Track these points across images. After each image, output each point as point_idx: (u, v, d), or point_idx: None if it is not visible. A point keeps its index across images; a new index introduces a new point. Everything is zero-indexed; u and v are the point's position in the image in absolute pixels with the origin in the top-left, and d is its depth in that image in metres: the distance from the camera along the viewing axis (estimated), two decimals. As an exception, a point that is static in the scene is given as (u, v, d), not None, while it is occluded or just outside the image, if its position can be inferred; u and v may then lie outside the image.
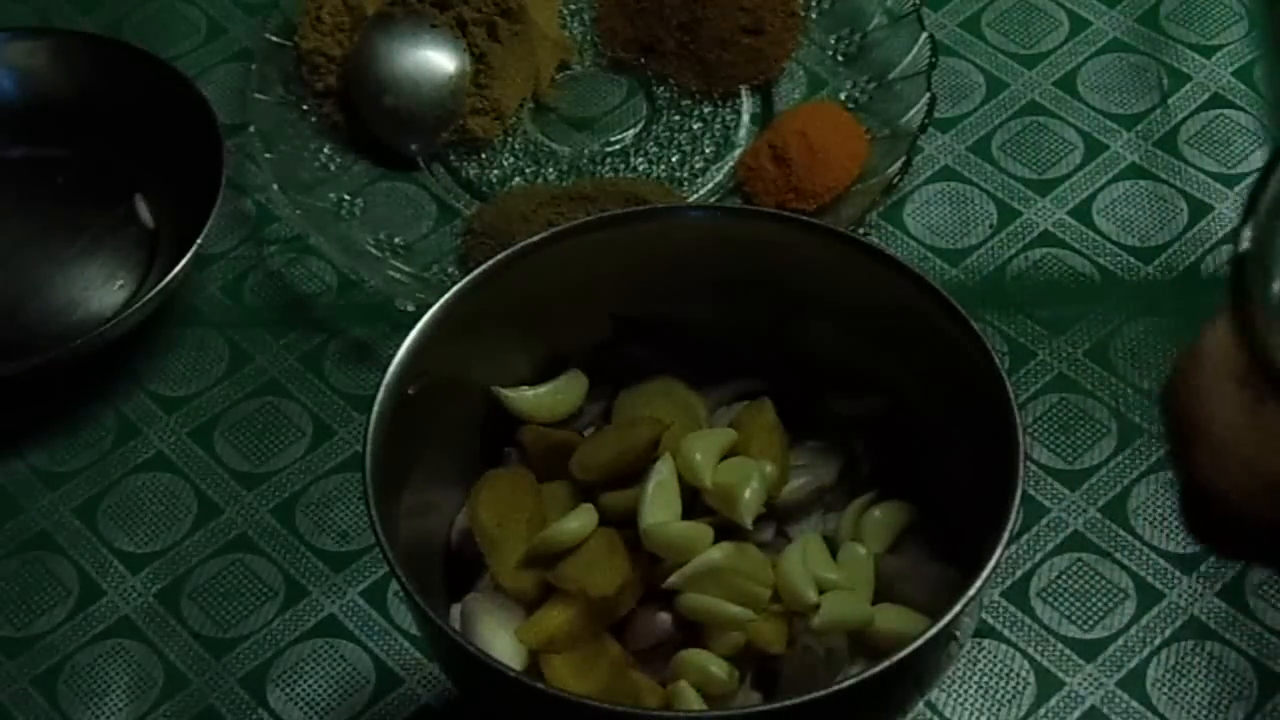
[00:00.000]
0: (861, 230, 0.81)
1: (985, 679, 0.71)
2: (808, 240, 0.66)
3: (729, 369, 0.68)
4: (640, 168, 0.88)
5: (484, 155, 0.89)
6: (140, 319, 0.81)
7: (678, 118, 0.90)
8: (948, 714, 0.70)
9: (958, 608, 0.56)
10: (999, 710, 0.70)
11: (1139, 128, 0.88)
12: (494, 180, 0.88)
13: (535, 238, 0.66)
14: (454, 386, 0.66)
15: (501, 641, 0.61)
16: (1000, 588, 0.73)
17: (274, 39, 0.90)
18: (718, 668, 0.61)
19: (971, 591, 0.56)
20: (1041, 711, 0.70)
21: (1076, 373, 0.79)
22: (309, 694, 0.72)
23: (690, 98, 0.90)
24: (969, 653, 0.71)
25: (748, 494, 0.63)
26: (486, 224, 0.84)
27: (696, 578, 0.61)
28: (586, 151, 0.89)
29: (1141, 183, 0.86)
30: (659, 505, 0.63)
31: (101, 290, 0.84)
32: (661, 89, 0.91)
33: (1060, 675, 0.71)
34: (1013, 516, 0.57)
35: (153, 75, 0.87)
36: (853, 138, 0.85)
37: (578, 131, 0.90)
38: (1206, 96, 0.89)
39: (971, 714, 0.70)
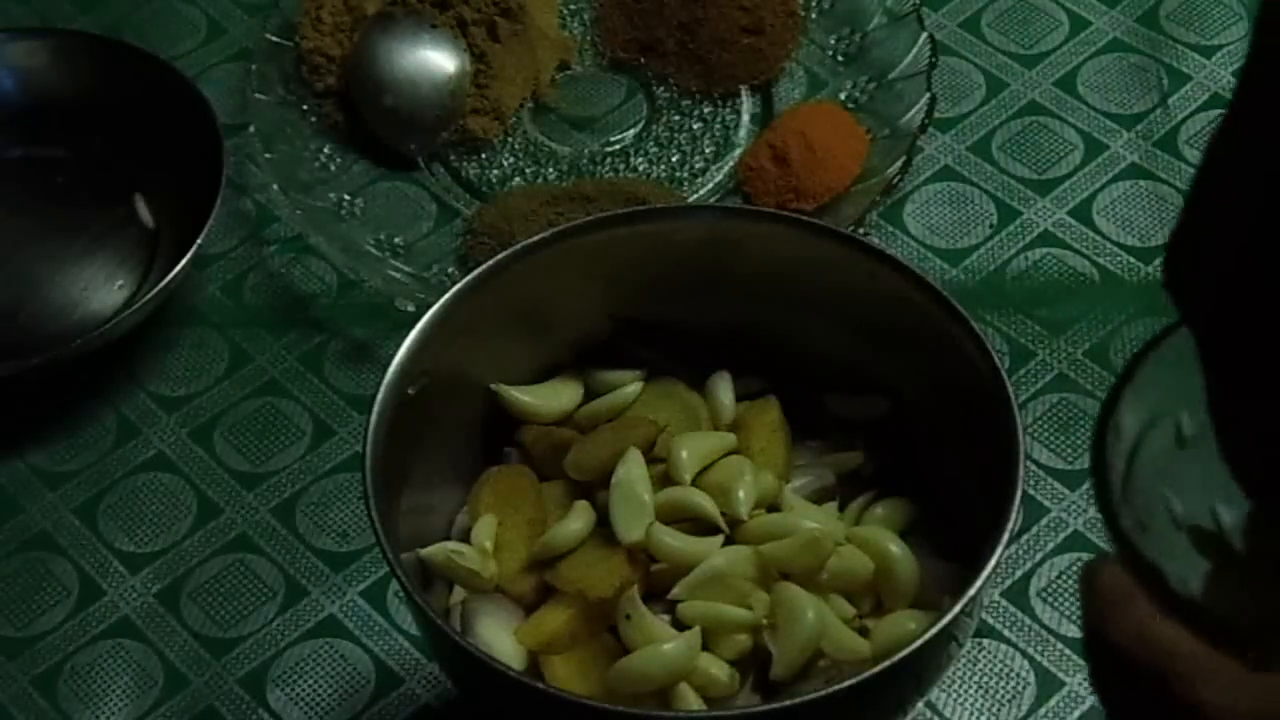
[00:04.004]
0: (861, 230, 0.81)
1: (985, 679, 0.71)
2: (808, 240, 0.66)
3: (729, 369, 0.68)
4: (640, 168, 0.88)
5: (484, 155, 0.89)
6: (140, 319, 0.81)
7: (678, 118, 0.90)
8: (948, 714, 0.70)
9: (958, 608, 0.56)
10: (999, 710, 0.70)
11: (1139, 128, 0.88)
12: (494, 180, 0.88)
13: (535, 238, 0.66)
14: (454, 386, 0.66)
15: (501, 642, 0.61)
16: (1000, 588, 0.73)
17: (274, 39, 0.90)
18: (718, 669, 0.61)
19: (971, 592, 0.56)
20: (1041, 711, 0.70)
21: (1076, 373, 0.79)
22: (309, 694, 0.72)
23: (690, 98, 0.90)
24: (969, 653, 0.71)
25: (742, 492, 0.63)
26: (486, 224, 0.84)
27: (698, 584, 0.61)
28: (586, 151, 0.89)
29: (1141, 183, 0.86)
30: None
31: (101, 290, 0.84)
32: (661, 89, 0.91)
33: (1060, 675, 0.71)
34: (1013, 516, 0.57)
35: (153, 75, 0.87)
36: (853, 138, 0.85)
37: (578, 131, 0.90)
38: (1206, 96, 0.89)
39: (971, 714, 0.70)
